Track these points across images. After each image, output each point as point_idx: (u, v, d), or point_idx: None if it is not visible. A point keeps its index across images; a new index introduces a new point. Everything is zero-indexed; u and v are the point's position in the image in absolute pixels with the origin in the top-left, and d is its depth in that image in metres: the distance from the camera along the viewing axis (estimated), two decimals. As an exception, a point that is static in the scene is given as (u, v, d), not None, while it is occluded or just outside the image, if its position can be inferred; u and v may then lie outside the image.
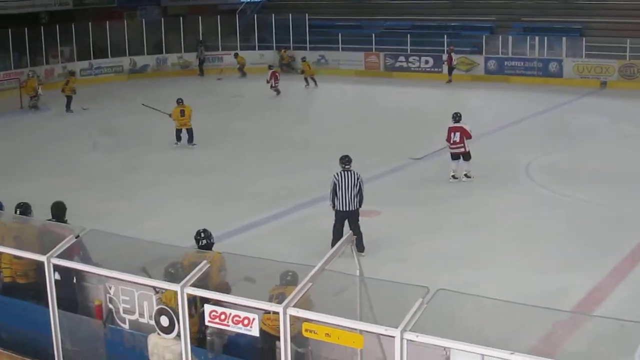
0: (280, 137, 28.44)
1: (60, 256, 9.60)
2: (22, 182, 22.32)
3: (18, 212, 12.82)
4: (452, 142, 21.76)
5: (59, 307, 9.75)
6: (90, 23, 45.80)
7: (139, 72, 46.47)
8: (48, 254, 9.59)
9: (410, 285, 8.03)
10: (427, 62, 42.77)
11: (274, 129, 29.98)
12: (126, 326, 9.91)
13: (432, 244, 17.14)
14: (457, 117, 21.97)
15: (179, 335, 8.59)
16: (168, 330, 8.63)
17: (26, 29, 42.94)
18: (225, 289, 8.93)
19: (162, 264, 9.82)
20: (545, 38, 40.85)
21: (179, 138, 27.63)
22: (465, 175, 22.02)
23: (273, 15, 46.85)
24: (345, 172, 16.55)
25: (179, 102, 27.93)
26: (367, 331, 7.68)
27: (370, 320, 7.98)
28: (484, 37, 42.76)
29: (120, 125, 31.83)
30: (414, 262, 15.74)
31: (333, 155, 24.63)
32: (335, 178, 16.49)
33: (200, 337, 9.70)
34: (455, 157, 21.96)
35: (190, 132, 27.61)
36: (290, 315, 7.92)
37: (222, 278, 9.36)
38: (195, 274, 8.61)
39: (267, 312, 8.59)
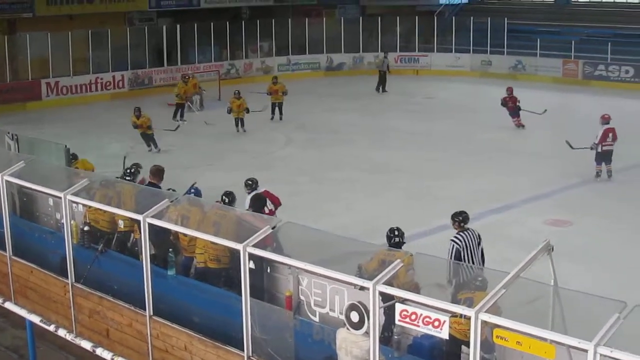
0: (474, 140, 28.27)
1: (255, 245, 9.82)
2: (219, 172, 23.11)
3: (227, 200, 13.51)
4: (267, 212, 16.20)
5: (250, 295, 10.00)
6: (289, 19, 46.77)
7: (335, 70, 47.04)
8: (244, 243, 9.82)
9: (606, 299, 7.82)
10: (627, 71, 41.40)
11: (469, 132, 29.79)
12: (316, 319, 10.05)
13: (626, 257, 16.64)
14: (253, 184, 15.52)
15: (367, 332, 8.65)
16: (357, 326, 8.70)
17: (227, 23, 44.21)
18: (414, 290, 8.94)
19: (353, 259, 9.93)
20: None
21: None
22: None
23: (472, 18, 46.42)
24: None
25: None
26: (558, 342, 7.53)
27: (562, 331, 7.82)
28: (690, 47, 41.06)
29: (313, 121, 32.38)
30: (605, 275, 15.34)
31: (526, 162, 24.60)
32: None
33: (386, 335, 9.76)
34: None
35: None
36: (481, 321, 7.87)
37: (410, 277, 9.36)
38: (389, 272, 8.67)
39: (454, 315, 8.53)
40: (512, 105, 30.27)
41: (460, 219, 12.91)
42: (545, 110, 30.05)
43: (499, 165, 24.71)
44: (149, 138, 26.73)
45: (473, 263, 12.49)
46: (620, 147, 23.04)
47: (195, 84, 35.04)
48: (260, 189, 15.60)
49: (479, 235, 12.91)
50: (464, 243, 12.67)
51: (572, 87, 40.86)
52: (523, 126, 30.07)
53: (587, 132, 28.03)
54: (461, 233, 12.83)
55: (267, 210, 15.02)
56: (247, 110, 30.03)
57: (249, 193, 15.35)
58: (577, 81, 42.31)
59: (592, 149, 22.70)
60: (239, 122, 30.03)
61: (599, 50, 42.53)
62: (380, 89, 40.56)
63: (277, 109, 32.70)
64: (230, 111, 30.05)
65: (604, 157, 22.77)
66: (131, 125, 26.70)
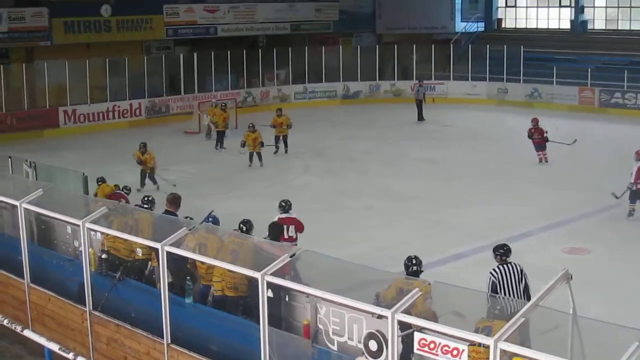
0: (491, 168, 28.23)
1: (274, 274, 9.84)
2: (236, 200, 23.17)
3: (244, 228, 13.57)
4: (287, 237, 15.87)
5: (267, 323, 10.00)
6: (306, 48, 46.96)
7: (351, 98, 47.13)
8: (262, 271, 9.85)
9: (625, 328, 7.80)
10: (644, 99, 41.40)
11: (485, 160, 29.78)
12: (334, 348, 10.03)
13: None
14: (286, 206, 16.36)
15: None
16: (376, 354, 8.70)
17: (244, 51, 44.44)
18: (432, 318, 8.93)
19: (370, 287, 9.91)
20: None
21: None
22: None
23: (487, 46, 46.43)
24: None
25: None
26: (578, 372, 7.52)
27: (582, 360, 7.82)
28: None
29: (330, 149, 32.42)
30: (624, 303, 15.26)
31: (543, 190, 24.56)
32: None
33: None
34: None
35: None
36: (500, 349, 7.85)
37: (428, 306, 9.35)
38: (407, 300, 8.66)
39: (472, 343, 8.51)
40: (538, 137, 28.70)
41: (501, 252, 12.64)
42: (575, 140, 29.10)
43: (515, 193, 24.65)
44: (149, 177, 25.73)
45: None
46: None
47: (215, 113, 35.18)
48: (292, 214, 16.21)
49: (521, 270, 12.49)
50: (500, 276, 12.37)
51: (588, 115, 40.70)
52: (546, 161, 28.66)
53: (604, 161, 28.14)
54: (500, 266, 12.52)
55: (286, 236, 15.49)
56: (262, 144, 29.15)
57: (281, 213, 16.10)
58: (594, 109, 42.20)
59: (629, 189, 21.66)
60: (254, 157, 29.03)
61: (615, 78, 42.38)
62: (417, 117, 40.19)
63: (282, 142, 31.37)
64: (244, 145, 29.11)
65: (639, 195, 21.62)
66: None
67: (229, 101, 39.76)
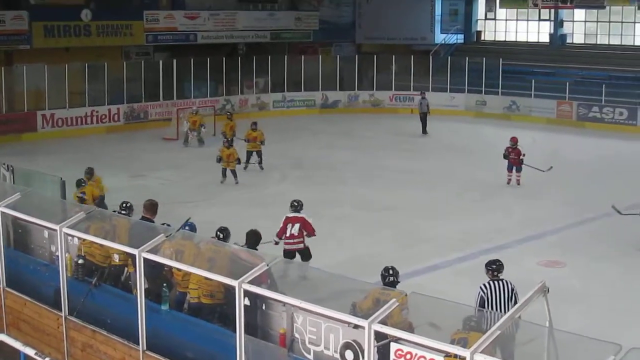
0: (468, 180, 28.26)
1: (251, 282, 9.84)
2: (214, 207, 23.12)
3: (221, 236, 13.63)
4: (288, 235, 17.09)
5: (244, 331, 10.00)
6: (285, 56, 47.02)
7: (330, 107, 47.16)
8: (240, 279, 9.84)
9: (601, 341, 7.83)
10: (621, 113, 41.51)
11: (463, 171, 29.79)
12: (310, 357, 10.02)
13: (620, 300, 16.63)
14: (297, 206, 17.53)
15: (362, 370, 8.67)
16: (352, 364, 8.73)
17: (224, 58, 44.43)
18: (408, 329, 8.94)
19: (347, 297, 9.92)
20: None
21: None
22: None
23: (467, 58, 46.58)
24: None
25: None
26: (553, 385, 7.55)
27: (557, 373, 7.85)
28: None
29: (308, 158, 32.41)
30: (600, 317, 15.35)
31: (519, 202, 24.66)
32: None
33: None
34: (288, 254, 16.69)
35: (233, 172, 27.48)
36: (477, 361, 7.89)
37: (404, 317, 9.37)
38: (384, 311, 8.68)
39: (447, 354, 8.53)
40: (514, 157, 27.18)
41: (493, 267, 12.55)
42: (551, 167, 27.69)
43: (492, 205, 24.74)
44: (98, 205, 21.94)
45: None
46: (615, 187, 23.02)
47: (195, 120, 35.14)
48: (300, 214, 17.33)
49: (512, 289, 12.33)
50: (490, 292, 12.24)
51: (566, 129, 40.94)
52: (518, 184, 27.33)
53: (581, 174, 28.23)
54: (491, 282, 12.40)
55: (288, 234, 16.94)
56: (239, 161, 27.66)
57: (291, 212, 17.35)
58: (571, 122, 42.39)
59: None
60: (228, 173, 27.40)
61: (593, 92, 42.63)
62: (421, 130, 39.63)
63: (256, 157, 29.75)
64: (220, 160, 27.48)
65: None
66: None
67: (207, 108, 39.86)
